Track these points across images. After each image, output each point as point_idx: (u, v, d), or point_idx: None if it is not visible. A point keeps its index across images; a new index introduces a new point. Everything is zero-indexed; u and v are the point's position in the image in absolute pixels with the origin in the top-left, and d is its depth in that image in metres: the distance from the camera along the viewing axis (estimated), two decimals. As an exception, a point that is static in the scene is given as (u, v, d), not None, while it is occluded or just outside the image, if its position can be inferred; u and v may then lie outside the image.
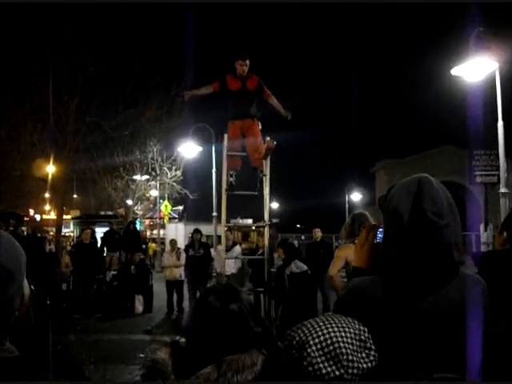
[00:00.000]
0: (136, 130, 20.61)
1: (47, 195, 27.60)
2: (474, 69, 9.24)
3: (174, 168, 22.97)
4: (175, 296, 12.22)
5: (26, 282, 1.26)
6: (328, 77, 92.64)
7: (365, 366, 1.33)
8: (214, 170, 15.95)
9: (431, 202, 1.51)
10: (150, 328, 10.13)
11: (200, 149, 17.70)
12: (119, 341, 8.91)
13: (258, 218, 9.21)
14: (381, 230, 1.73)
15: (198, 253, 11.87)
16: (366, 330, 1.39)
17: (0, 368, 1.12)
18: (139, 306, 12.12)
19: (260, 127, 7.74)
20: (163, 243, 24.57)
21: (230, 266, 11.15)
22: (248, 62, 7.52)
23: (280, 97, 7.73)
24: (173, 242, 13.05)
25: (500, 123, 9.48)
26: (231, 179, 7.90)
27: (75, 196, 38.34)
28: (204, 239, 13.15)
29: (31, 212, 37.22)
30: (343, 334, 1.35)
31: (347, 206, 34.66)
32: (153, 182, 23.68)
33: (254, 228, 17.89)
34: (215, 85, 7.61)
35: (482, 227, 11.85)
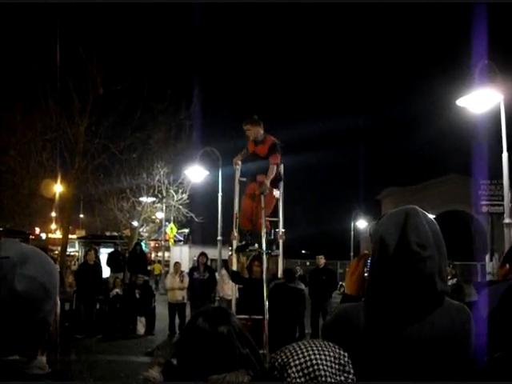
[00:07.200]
0: (144, 152, 20.78)
1: (54, 214, 27.74)
2: (479, 100, 9.35)
3: (180, 191, 23.05)
4: (177, 318, 12.20)
5: (57, 300, 1.24)
6: (335, 105, 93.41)
7: None
8: (220, 194, 16.00)
9: (416, 234, 1.58)
10: (151, 350, 10.09)
11: (207, 173, 17.77)
12: (120, 362, 8.88)
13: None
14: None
15: (203, 276, 11.87)
16: (346, 354, 1.44)
17: None
18: (141, 328, 12.09)
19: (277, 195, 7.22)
20: (167, 265, 24.54)
21: (232, 291, 11.12)
22: (249, 126, 7.08)
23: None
24: (177, 265, 13.05)
25: (505, 154, 9.53)
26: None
27: (81, 216, 38.57)
28: (208, 263, 13.15)
29: (37, 230, 37.40)
30: (323, 357, 1.41)
31: (353, 232, 34.59)
32: (159, 205, 23.74)
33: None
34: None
35: (487, 257, 11.80)
